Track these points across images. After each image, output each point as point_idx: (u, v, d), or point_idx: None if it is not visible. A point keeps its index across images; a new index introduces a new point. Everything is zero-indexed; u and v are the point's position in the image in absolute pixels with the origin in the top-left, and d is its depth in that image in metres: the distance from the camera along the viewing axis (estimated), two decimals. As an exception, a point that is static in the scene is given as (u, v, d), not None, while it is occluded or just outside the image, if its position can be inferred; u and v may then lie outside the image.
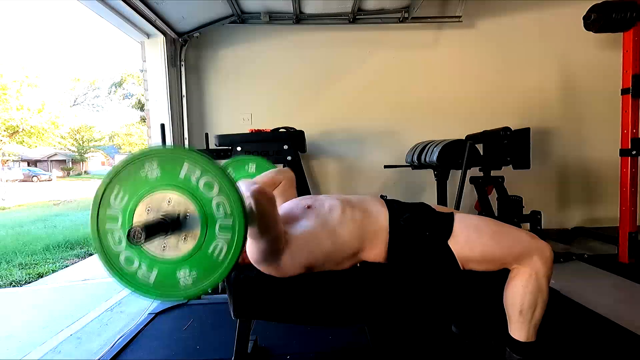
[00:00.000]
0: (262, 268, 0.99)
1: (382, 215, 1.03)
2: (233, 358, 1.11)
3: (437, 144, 2.10)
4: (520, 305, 0.95)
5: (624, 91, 2.25)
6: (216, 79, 2.85)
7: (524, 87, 2.89)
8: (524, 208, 2.18)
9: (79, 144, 25.11)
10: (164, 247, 0.75)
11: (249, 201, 0.83)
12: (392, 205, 1.08)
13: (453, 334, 1.39)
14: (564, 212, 2.97)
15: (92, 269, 2.96)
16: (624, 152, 2.28)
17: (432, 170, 2.35)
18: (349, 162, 2.92)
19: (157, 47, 2.51)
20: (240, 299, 1.03)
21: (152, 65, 2.53)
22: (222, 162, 1.65)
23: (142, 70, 2.58)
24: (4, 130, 15.05)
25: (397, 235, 1.01)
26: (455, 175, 2.37)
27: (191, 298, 0.77)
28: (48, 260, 3.22)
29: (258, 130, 2.35)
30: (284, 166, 2.14)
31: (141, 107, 15.72)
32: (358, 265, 1.06)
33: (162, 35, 2.48)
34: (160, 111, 2.54)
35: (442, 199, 2.30)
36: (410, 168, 2.46)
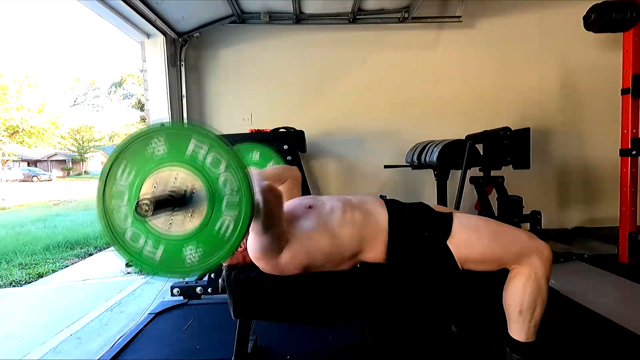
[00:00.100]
0: (261, 264, 0.99)
1: (381, 216, 1.03)
2: (233, 358, 1.11)
3: (437, 144, 2.10)
4: (520, 306, 0.95)
5: (624, 91, 2.25)
6: (216, 79, 2.85)
7: (524, 87, 2.89)
8: (524, 208, 2.18)
9: (79, 144, 25.11)
10: (170, 224, 0.75)
11: (258, 196, 0.84)
12: (392, 205, 1.08)
13: (453, 334, 1.39)
14: (564, 212, 2.97)
15: (92, 269, 2.96)
16: (624, 152, 2.28)
17: (432, 170, 2.35)
18: (349, 162, 2.92)
19: (157, 47, 2.51)
20: (240, 299, 1.03)
21: (152, 65, 2.53)
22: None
23: (142, 70, 2.58)
24: (4, 130, 15.04)
25: (396, 236, 1.01)
26: (455, 175, 2.37)
27: (197, 275, 0.76)
28: (48, 260, 3.22)
29: (258, 130, 2.36)
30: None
31: (141, 107, 15.71)
32: (358, 266, 1.06)
33: (162, 35, 2.48)
34: (160, 111, 2.54)
35: (442, 199, 2.30)
36: (410, 168, 2.46)
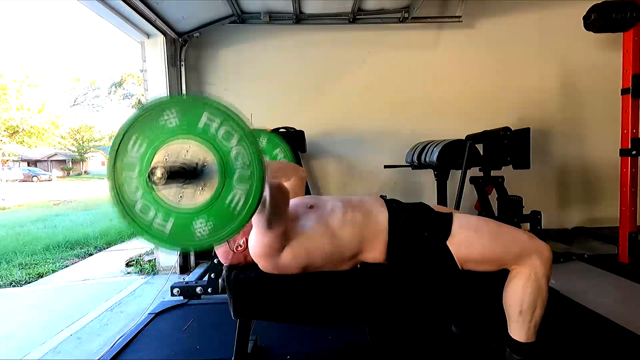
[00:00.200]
0: (262, 262, 0.99)
1: (381, 216, 1.03)
2: (233, 358, 1.11)
3: (437, 144, 2.10)
4: (520, 306, 0.95)
5: (624, 91, 2.25)
6: (216, 79, 2.85)
7: (524, 87, 2.89)
8: (524, 208, 2.18)
9: (79, 144, 25.12)
10: (181, 196, 0.74)
11: (266, 193, 0.84)
12: (392, 205, 1.08)
13: (453, 334, 1.39)
14: (564, 212, 2.97)
15: (92, 269, 2.96)
16: (624, 152, 2.28)
17: (432, 170, 2.35)
18: (349, 162, 2.92)
19: (157, 47, 2.51)
20: (240, 299, 1.03)
21: (152, 65, 2.53)
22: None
23: (142, 70, 2.58)
24: (4, 130, 15.04)
25: (396, 236, 1.01)
26: (455, 175, 2.37)
27: (206, 249, 0.76)
28: (48, 260, 3.22)
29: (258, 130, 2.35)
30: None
31: (141, 107, 15.67)
32: (358, 266, 1.06)
33: (162, 35, 2.48)
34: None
35: (442, 199, 2.30)
36: (410, 168, 2.46)
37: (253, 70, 2.85)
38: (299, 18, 2.73)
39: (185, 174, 0.72)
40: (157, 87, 2.55)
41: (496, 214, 2.25)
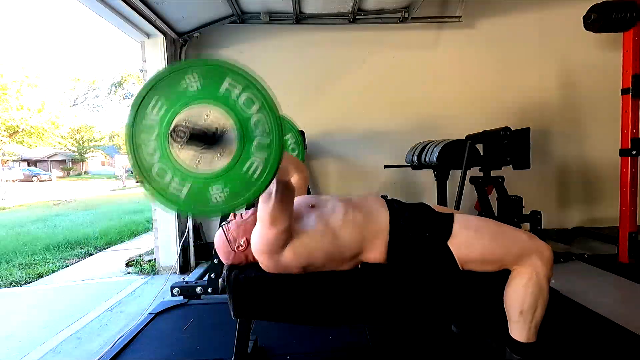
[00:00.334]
0: (263, 259, 0.99)
1: (382, 216, 1.03)
2: (233, 358, 1.11)
3: (437, 144, 2.10)
4: (521, 306, 0.95)
5: (624, 91, 2.25)
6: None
7: (524, 87, 2.89)
8: (524, 208, 2.18)
9: (79, 144, 25.13)
10: (198, 161, 0.74)
11: (272, 188, 0.85)
12: (393, 205, 1.08)
13: (453, 334, 1.39)
14: (564, 212, 2.97)
15: (92, 269, 2.96)
16: (624, 152, 2.28)
17: (432, 170, 2.35)
18: (349, 162, 2.92)
19: (157, 47, 2.51)
20: (240, 299, 1.03)
21: (152, 65, 2.53)
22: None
23: (142, 70, 2.58)
24: (4, 130, 15.05)
25: (397, 236, 1.01)
26: (455, 175, 2.37)
27: (221, 215, 0.76)
28: (48, 260, 3.22)
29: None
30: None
31: (141, 107, 15.66)
32: (359, 266, 1.06)
33: (162, 35, 2.48)
34: (160, 111, 2.54)
35: (442, 199, 2.30)
36: (410, 168, 2.46)
37: (253, 70, 2.85)
38: (299, 18, 2.73)
39: (205, 138, 0.72)
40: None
41: (496, 214, 2.25)
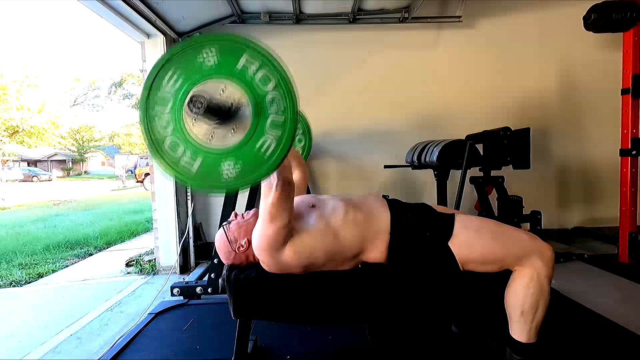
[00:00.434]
0: (264, 257, 0.98)
1: (383, 216, 1.03)
2: (233, 358, 1.11)
3: (437, 144, 2.10)
4: (522, 306, 0.95)
5: (624, 91, 2.25)
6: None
7: (524, 87, 2.89)
8: (524, 208, 2.18)
9: (79, 144, 25.13)
10: (212, 136, 0.74)
11: (273, 182, 0.86)
12: (394, 206, 1.08)
13: (453, 334, 1.39)
14: (564, 212, 2.97)
15: (92, 269, 2.96)
16: (624, 152, 2.28)
17: (432, 170, 2.35)
18: (349, 162, 2.92)
19: (157, 47, 2.51)
20: (240, 299, 1.03)
21: (151, 68, 2.52)
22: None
23: (142, 70, 2.58)
24: (4, 130, 15.05)
25: (398, 236, 1.01)
26: (455, 175, 2.37)
27: (231, 191, 0.77)
28: (48, 260, 3.22)
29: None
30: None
31: (141, 107, 15.66)
32: (359, 266, 1.06)
33: (162, 35, 2.48)
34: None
35: (442, 199, 2.30)
36: (410, 168, 2.46)
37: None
38: (299, 18, 2.73)
39: (220, 112, 0.71)
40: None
41: (496, 214, 2.25)
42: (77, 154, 25.84)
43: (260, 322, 1.25)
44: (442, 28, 2.87)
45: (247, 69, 0.73)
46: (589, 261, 2.33)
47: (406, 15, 2.71)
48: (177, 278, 2.38)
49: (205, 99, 0.68)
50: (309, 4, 2.63)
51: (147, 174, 9.72)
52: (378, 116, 2.89)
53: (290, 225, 0.95)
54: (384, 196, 1.19)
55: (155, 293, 2.04)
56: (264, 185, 0.90)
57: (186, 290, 1.92)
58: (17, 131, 15.18)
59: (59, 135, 20.00)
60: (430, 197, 2.76)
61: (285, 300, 1.04)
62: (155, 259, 2.64)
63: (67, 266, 3.08)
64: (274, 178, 0.87)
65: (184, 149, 0.74)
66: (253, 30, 2.81)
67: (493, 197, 2.23)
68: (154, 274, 2.57)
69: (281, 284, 1.02)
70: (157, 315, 1.75)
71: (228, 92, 0.73)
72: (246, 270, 1.06)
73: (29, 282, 2.65)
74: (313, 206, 1.07)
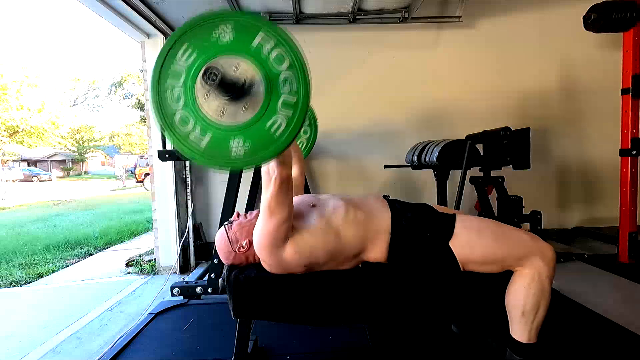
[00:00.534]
0: (265, 255, 0.98)
1: (384, 216, 1.03)
2: (233, 358, 1.11)
3: (437, 144, 2.10)
4: (523, 307, 0.95)
5: (624, 91, 2.25)
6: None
7: (524, 87, 2.89)
8: (524, 208, 2.18)
9: (79, 144, 25.13)
10: (222, 112, 0.74)
11: (273, 175, 0.86)
12: (395, 206, 1.08)
13: (453, 334, 1.39)
14: (564, 212, 2.97)
15: (92, 269, 2.96)
16: (624, 152, 2.28)
17: (432, 170, 2.35)
18: (349, 162, 2.92)
19: (157, 47, 2.51)
20: (240, 299, 1.03)
21: (152, 65, 2.53)
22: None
23: (142, 70, 2.58)
24: (4, 130, 15.05)
25: (398, 236, 1.01)
26: (455, 175, 2.37)
27: (238, 169, 0.77)
28: (48, 260, 3.22)
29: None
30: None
31: (141, 107, 15.71)
32: (360, 265, 1.06)
33: (162, 35, 2.48)
34: (160, 111, 2.54)
35: (442, 199, 2.30)
36: (410, 168, 2.46)
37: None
38: (299, 18, 2.73)
39: (233, 88, 0.71)
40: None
41: (496, 214, 2.25)
42: (77, 154, 25.84)
43: (260, 322, 1.25)
44: (442, 28, 2.87)
45: (262, 47, 0.73)
46: (589, 261, 2.33)
47: (406, 15, 2.71)
48: (177, 278, 2.38)
49: (220, 71, 0.67)
50: (309, 4, 2.63)
51: (147, 174, 9.72)
52: (378, 116, 2.89)
53: (290, 221, 0.95)
54: (384, 196, 1.19)
55: (155, 293, 2.04)
56: (264, 177, 0.91)
57: (186, 290, 1.92)
58: (17, 131, 15.18)
59: (59, 135, 20.01)
60: (430, 197, 2.76)
61: (285, 300, 1.04)
62: (155, 259, 2.64)
63: (67, 266, 3.08)
64: (273, 171, 0.87)
65: (194, 124, 0.74)
66: (253, 30, 2.81)
67: (493, 197, 2.23)
68: (154, 274, 2.57)
69: (281, 283, 1.02)
70: (157, 315, 1.76)
71: (241, 69, 0.73)
72: (246, 270, 1.06)
73: (29, 282, 2.65)
74: (313, 206, 1.07)
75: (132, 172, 15.03)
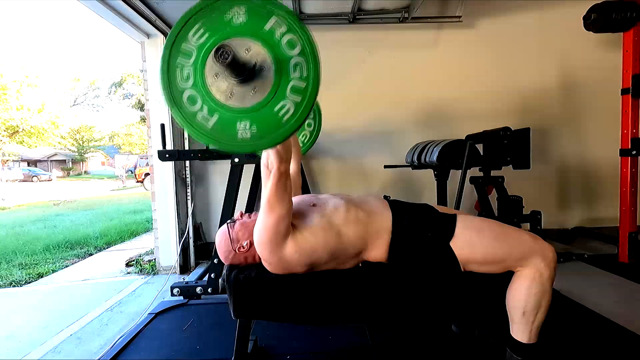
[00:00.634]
0: (266, 254, 0.97)
1: (385, 216, 1.03)
2: (233, 358, 1.11)
3: (437, 144, 2.10)
4: (524, 307, 0.95)
5: (624, 91, 2.25)
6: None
7: (524, 87, 2.89)
8: (524, 208, 2.18)
9: (79, 144, 25.13)
10: (231, 94, 0.74)
11: (272, 170, 0.87)
12: (395, 206, 1.08)
13: (453, 334, 1.39)
14: (564, 212, 2.97)
15: (92, 269, 2.96)
16: (624, 152, 2.28)
17: (432, 170, 2.35)
18: (349, 162, 2.92)
19: (157, 47, 2.51)
20: (240, 299, 1.03)
21: (152, 65, 2.53)
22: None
23: (142, 70, 2.58)
24: (4, 130, 15.05)
25: (399, 236, 1.01)
26: (455, 175, 2.37)
27: (245, 153, 0.78)
28: (48, 260, 3.22)
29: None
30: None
31: (141, 107, 15.73)
32: (360, 265, 1.06)
33: (162, 35, 2.48)
34: (160, 111, 2.54)
35: (442, 199, 2.30)
36: (410, 168, 2.46)
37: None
38: (299, 18, 2.73)
39: (243, 69, 0.71)
40: (157, 87, 2.55)
41: (496, 214, 2.25)
42: (77, 154, 25.84)
43: (260, 322, 1.25)
44: (442, 28, 2.86)
45: (275, 31, 0.73)
46: (589, 261, 2.33)
47: (406, 15, 2.71)
48: (177, 278, 2.38)
49: (232, 50, 0.67)
50: (309, 4, 2.63)
51: (147, 174, 9.72)
52: (378, 116, 2.89)
53: (290, 217, 0.95)
54: (385, 197, 1.19)
55: (155, 293, 2.04)
56: (263, 170, 0.91)
57: (186, 290, 1.92)
58: (17, 131, 15.19)
59: (59, 135, 20.00)
60: (430, 197, 2.76)
61: (285, 300, 1.04)
62: (155, 259, 2.64)
63: (67, 266, 3.08)
64: (272, 164, 0.87)
65: (202, 104, 0.74)
66: (253, 30, 2.81)
67: (493, 197, 2.23)
68: (154, 274, 2.57)
69: (281, 283, 1.02)
70: (157, 315, 1.76)
71: (253, 51, 0.73)
72: (246, 270, 1.06)
73: (29, 282, 2.65)
74: (314, 205, 1.07)
75: (132, 172, 15.03)
